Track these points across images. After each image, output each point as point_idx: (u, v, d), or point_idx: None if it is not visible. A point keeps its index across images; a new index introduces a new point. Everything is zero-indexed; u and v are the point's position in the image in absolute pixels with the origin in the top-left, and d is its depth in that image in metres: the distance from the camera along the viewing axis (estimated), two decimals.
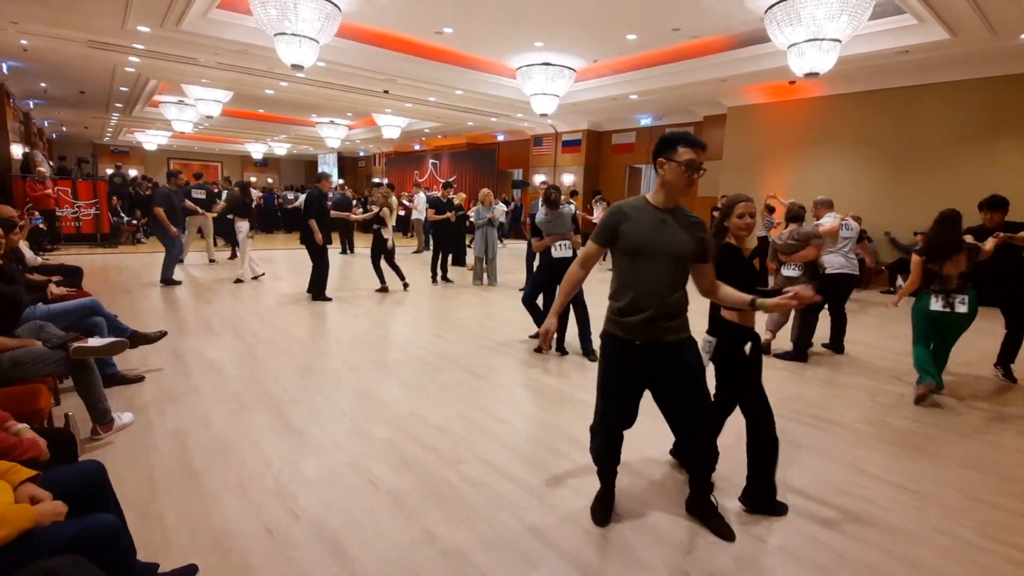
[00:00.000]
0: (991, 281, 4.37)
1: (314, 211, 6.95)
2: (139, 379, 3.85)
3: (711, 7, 7.34)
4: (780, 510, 2.46)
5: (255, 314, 6.07)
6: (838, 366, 4.92)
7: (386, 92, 12.08)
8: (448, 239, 9.00)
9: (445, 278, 8.78)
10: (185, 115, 15.10)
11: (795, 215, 5.02)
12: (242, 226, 8.11)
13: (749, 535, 2.30)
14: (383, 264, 7.69)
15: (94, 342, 2.97)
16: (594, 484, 2.45)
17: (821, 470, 2.92)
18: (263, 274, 8.46)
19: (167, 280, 7.65)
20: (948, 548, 2.26)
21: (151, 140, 21.63)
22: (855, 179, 10.13)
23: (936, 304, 3.93)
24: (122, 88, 12.82)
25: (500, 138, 19.18)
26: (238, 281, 8.02)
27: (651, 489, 2.65)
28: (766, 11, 6.96)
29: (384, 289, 7.64)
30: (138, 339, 4.06)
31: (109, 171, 17.68)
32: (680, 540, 2.25)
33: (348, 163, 28.56)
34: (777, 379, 4.38)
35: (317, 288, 7.04)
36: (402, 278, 7.77)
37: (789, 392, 4.13)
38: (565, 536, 2.25)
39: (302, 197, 14.37)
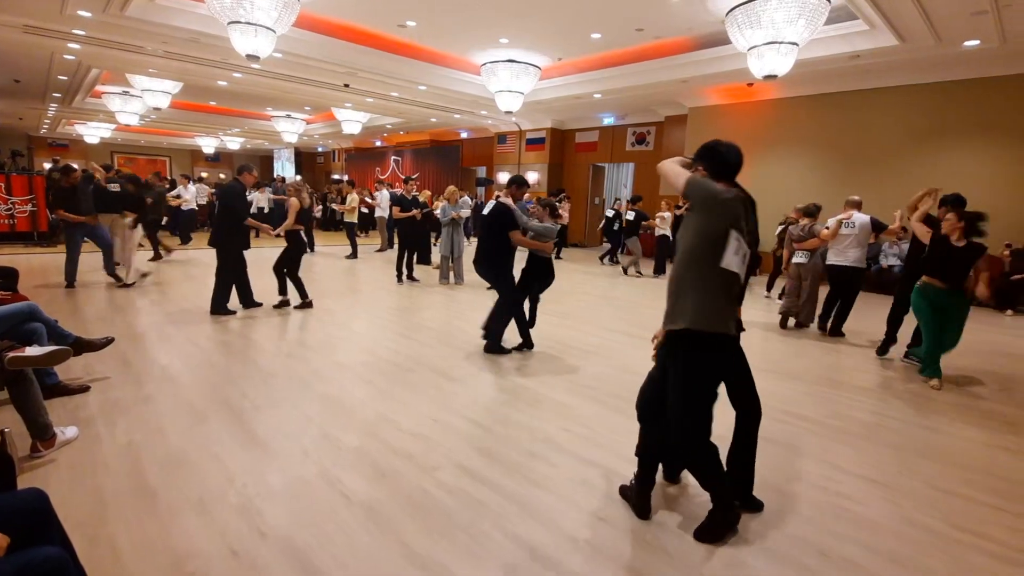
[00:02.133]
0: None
1: (225, 209, 5.87)
2: (84, 389, 3.56)
3: (675, 8, 7.43)
4: (756, 506, 2.47)
5: (211, 316, 5.76)
6: (802, 360, 5.05)
7: (346, 86, 11.75)
8: (413, 237, 8.82)
9: (411, 277, 8.60)
10: (130, 107, 14.29)
11: (809, 212, 6.32)
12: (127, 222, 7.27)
13: (734, 535, 2.29)
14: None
15: (32, 351, 2.72)
16: (573, 485, 2.41)
17: (794, 466, 2.96)
18: (148, 274, 7.83)
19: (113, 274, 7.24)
20: (922, 541, 2.31)
21: (93, 133, 20.38)
22: (810, 178, 10.49)
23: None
24: (61, 77, 12.02)
25: (464, 135, 19.01)
26: (124, 285, 7.07)
27: None
28: (727, 13, 7.09)
29: (286, 303, 6.32)
30: (82, 346, 3.75)
31: (47, 165, 16.57)
32: (668, 546, 2.22)
33: (306, 159, 27.76)
34: None
35: (217, 300, 5.80)
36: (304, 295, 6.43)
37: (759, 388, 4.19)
38: (550, 544, 2.18)
39: (258, 195, 13.89)
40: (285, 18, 6.82)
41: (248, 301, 6.20)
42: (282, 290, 6.32)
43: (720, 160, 2.20)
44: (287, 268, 6.27)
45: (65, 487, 2.43)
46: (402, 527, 2.25)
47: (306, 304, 6.30)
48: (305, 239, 6.85)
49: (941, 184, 9.09)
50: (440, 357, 4.65)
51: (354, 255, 11.10)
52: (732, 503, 2.26)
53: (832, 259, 5.94)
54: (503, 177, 16.44)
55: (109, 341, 4.00)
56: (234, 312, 5.93)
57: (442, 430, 3.21)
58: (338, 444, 2.97)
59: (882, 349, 5.23)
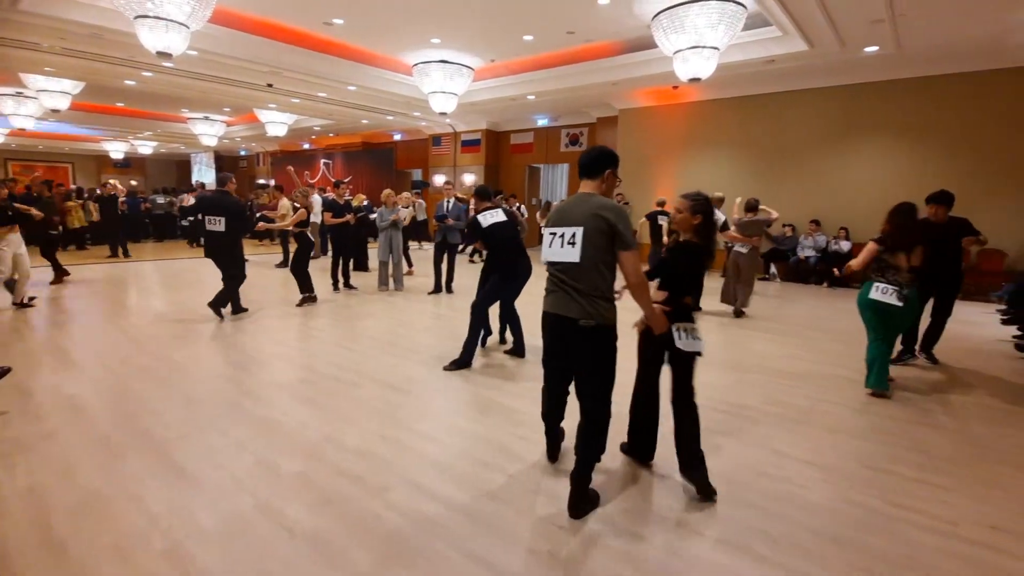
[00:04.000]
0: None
1: (239, 220, 6.11)
2: None
3: (603, 12, 7.57)
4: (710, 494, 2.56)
5: (124, 338, 5.26)
6: (733, 350, 5.27)
7: (270, 86, 11.17)
8: (348, 243, 8.48)
9: (348, 285, 8.27)
10: (25, 109, 12.92)
11: (751, 206, 6.91)
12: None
13: (688, 529, 2.31)
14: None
15: None
16: (528, 494, 2.36)
17: (740, 454, 3.05)
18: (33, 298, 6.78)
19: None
20: (863, 519, 2.43)
21: None
22: (733, 177, 11.03)
23: (875, 293, 3.94)
24: None
25: (397, 137, 18.61)
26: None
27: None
28: (653, 18, 7.31)
29: (313, 298, 7.05)
30: None
31: None
32: (627, 550, 2.20)
33: (228, 163, 26.22)
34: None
35: (236, 302, 6.37)
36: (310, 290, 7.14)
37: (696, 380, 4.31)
38: (509, 559, 2.11)
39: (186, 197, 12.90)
40: (199, 13, 6.35)
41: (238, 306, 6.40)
42: (305, 287, 6.96)
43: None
44: (299, 266, 6.91)
45: None
46: (353, 557, 2.10)
47: (310, 299, 6.97)
48: (312, 239, 7.28)
49: (851, 180, 9.85)
50: (385, 368, 4.47)
51: (285, 263, 10.58)
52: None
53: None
54: (439, 180, 16.22)
55: (5, 371, 3.55)
56: (246, 309, 6.39)
57: (391, 447, 3.06)
58: (276, 471, 2.76)
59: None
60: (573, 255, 2.33)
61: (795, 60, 8.48)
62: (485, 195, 4.89)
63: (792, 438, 3.29)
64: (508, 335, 5.06)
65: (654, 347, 2.65)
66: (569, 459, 2.81)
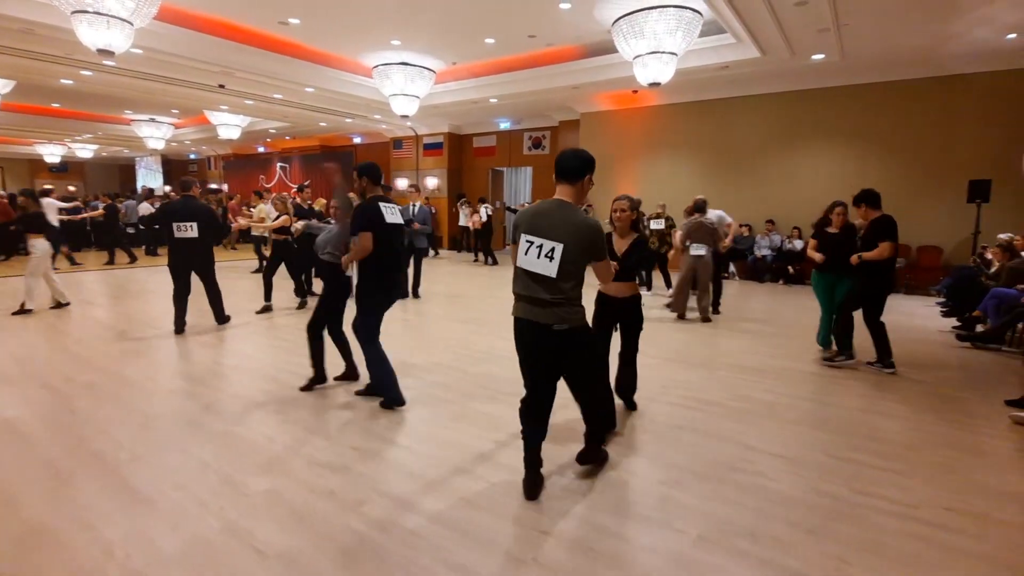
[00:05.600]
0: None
1: (210, 228, 5.93)
2: None
3: (565, 16, 7.65)
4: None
5: (66, 353, 4.93)
6: (700, 348, 5.39)
7: (221, 87, 10.76)
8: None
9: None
10: None
11: (699, 207, 6.74)
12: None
13: (671, 528, 2.33)
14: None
15: None
16: (507, 499, 2.33)
17: (711, 450, 3.10)
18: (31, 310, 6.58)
19: None
20: (832, 508, 2.51)
21: None
22: (689, 179, 11.35)
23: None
24: None
25: (357, 140, 18.26)
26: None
27: (572, 495, 2.58)
28: (613, 23, 7.44)
29: (268, 308, 6.95)
30: None
31: None
32: (612, 552, 2.19)
33: (176, 167, 25.12)
34: (651, 366, 4.65)
35: (222, 310, 6.16)
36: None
37: (667, 379, 4.40)
38: (491, 567, 2.06)
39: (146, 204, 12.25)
40: (144, 10, 6.04)
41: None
42: (267, 296, 6.95)
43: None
44: (267, 273, 7.00)
45: None
46: None
47: (267, 308, 6.91)
48: (295, 246, 7.25)
49: (797, 182, 10.27)
50: (361, 377, 4.32)
51: (259, 270, 10.25)
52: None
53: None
54: (401, 184, 16.00)
55: None
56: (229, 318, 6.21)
57: (363, 458, 2.96)
58: (243, 489, 2.62)
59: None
60: (550, 270, 2.37)
61: (748, 67, 8.79)
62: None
63: (758, 432, 3.37)
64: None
65: (607, 319, 3.45)
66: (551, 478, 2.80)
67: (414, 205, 8.04)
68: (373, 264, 3.55)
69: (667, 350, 5.27)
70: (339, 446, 3.11)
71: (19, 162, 23.58)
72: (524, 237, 2.45)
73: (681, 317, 6.73)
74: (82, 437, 3.20)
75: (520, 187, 16.76)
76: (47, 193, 10.07)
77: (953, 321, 6.61)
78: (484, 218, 12.82)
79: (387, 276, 3.63)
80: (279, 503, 2.50)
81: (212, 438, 3.20)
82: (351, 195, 4.02)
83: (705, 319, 6.65)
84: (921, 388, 4.29)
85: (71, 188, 20.64)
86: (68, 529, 2.29)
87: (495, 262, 12.48)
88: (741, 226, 10.53)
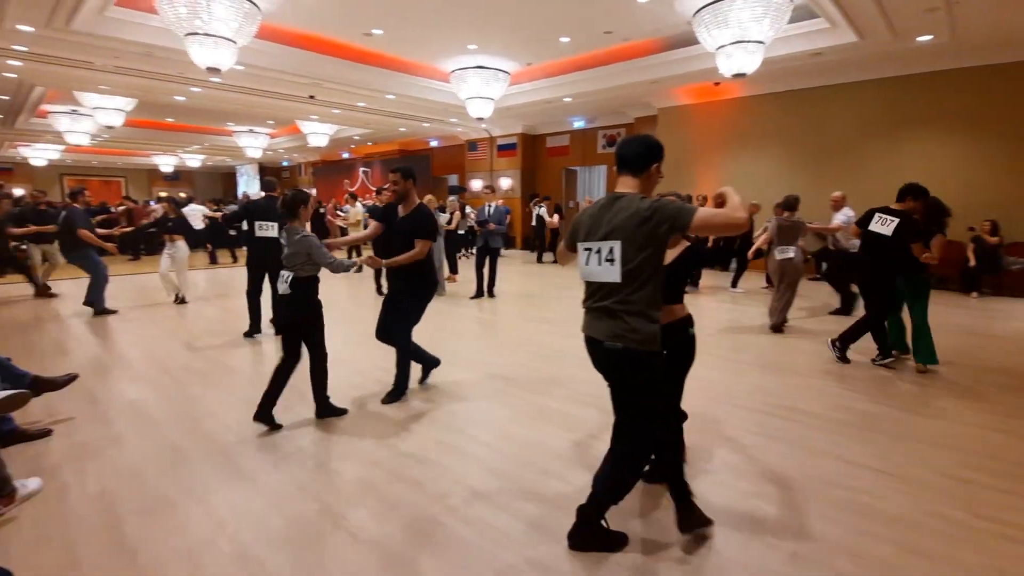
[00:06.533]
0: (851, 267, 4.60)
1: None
2: (45, 433, 3.27)
3: (642, 10, 7.46)
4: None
5: (181, 344, 5.44)
6: (785, 352, 5.06)
7: (312, 97, 11.46)
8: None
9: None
10: (80, 126, 13.62)
11: (789, 204, 6.09)
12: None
13: (763, 543, 2.20)
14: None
15: None
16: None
17: (806, 463, 2.90)
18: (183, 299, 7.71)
19: (101, 310, 6.85)
20: (947, 533, 2.27)
21: (39, 155, 19.40)
22: (775, 174, 10.69)
23: None
24: (2, 97, 11.37)
25: (433, 144, 18.82)
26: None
27: (639, 510, 2.51)
28: (695, 14, 7.15)
29: None
30: (42, 386, 3.47)
31: None
32: (700, 561, 2.11)
33: (270, 174, 27.03)
34: (733, 371, 4.42)
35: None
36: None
37: (751, 384, 4.17)
38: (576, 566, 2.05)
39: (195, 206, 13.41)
40: (246, 29, 6.57)
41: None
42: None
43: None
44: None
45: (30, 550, 2.18)
46: (420, 566, 2.08)
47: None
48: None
49: (899, 174, 9.43)
50: (437, 372, 4.43)
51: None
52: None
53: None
54: (476, 185, 16.32)
55: (72, 378, 3.71)
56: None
57: (447, 452, 3.04)
58: (338, 475, 2.78)
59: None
60: (613, 274, 1.99)
61: (843, 52, 8.16)
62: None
63: (859, 446, 3.11)
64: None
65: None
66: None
67: (490, 206, 8.17)
68: (427, 266, 4.01)
69: (751, 354, 5.00)
70: (422, 438, 3.22)
71: (139, 172, 26.39)
72: (582, 246, 2.11)
73: (776, 330, 5.93)
74: (195, 419, 3.53)
75: (594, 186, 16.57)
76: (190, 200, 11.48)
77: None
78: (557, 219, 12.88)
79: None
80: (369, 490, 2.63)
81: (306, 424, 3.42)
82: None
83: (775, 328, 5.89)
84: None
85: (182, 194, 22.81)
86: (185, 502, 2.53)
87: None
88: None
